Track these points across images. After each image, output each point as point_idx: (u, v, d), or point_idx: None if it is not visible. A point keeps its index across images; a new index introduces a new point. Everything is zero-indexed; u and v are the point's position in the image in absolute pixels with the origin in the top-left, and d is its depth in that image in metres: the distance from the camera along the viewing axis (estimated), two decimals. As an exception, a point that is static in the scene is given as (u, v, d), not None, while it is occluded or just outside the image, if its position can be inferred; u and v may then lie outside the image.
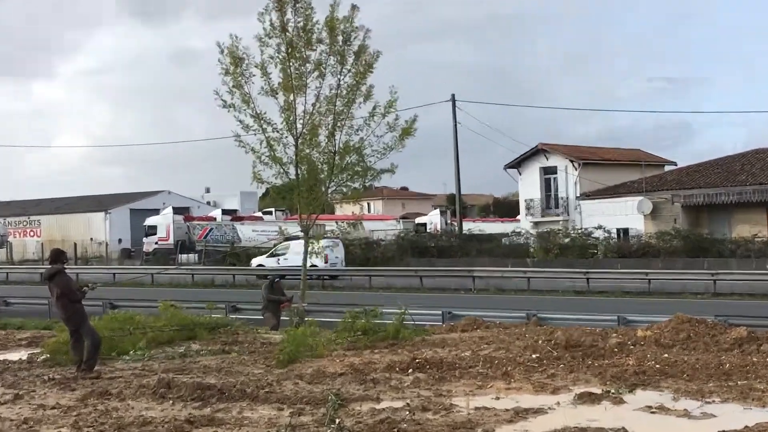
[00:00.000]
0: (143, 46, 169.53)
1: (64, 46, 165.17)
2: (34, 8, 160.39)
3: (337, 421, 9.03)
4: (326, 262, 39.64)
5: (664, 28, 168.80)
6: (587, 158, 51.67)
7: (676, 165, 55.69)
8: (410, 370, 12.16)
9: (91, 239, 66.63)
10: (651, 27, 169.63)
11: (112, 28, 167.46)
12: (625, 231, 45.05)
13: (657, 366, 11.61)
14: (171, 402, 10.49)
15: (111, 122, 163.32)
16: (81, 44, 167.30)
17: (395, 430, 8.76)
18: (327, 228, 46.99)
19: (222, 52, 20.55)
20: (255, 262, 44.64)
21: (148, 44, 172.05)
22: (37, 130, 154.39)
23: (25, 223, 75.26)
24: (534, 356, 12.70)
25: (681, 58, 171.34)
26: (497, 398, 10.31)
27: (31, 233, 73.46)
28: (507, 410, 9.56)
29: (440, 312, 20.48)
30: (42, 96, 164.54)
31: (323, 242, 32.25)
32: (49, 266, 14.02)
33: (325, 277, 39.10)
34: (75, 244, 61.18)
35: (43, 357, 14.84)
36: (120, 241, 67.71)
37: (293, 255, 40.23)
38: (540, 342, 13.80)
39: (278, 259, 42.93)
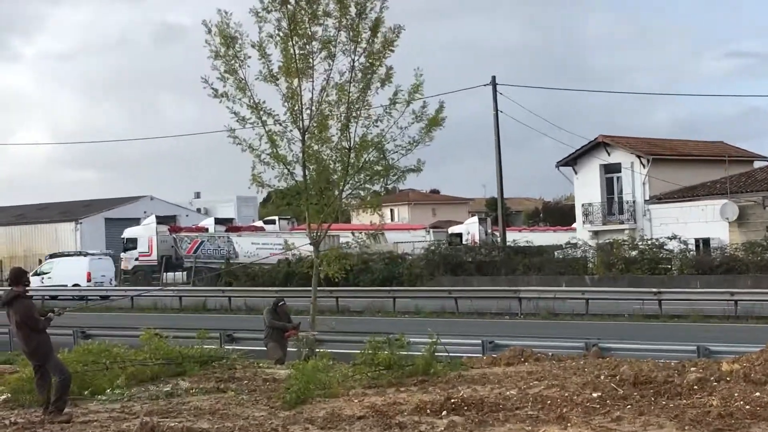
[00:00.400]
0: (119, 23, 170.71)
1: (25, 23, 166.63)
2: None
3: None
4: (89, 281, 40.75)
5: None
6: (658, 153, 51.25)
7: (767, 160, 55.22)
8: (444, 413, 12.14)
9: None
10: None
11: (82, 1, 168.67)
12: (706, 241, 44.72)
13: (747, 407, 11.50)
14: (156, 452, 10.56)
15: (81, 116, 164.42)
16: (45, 21, 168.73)
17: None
18: (342, 240, 46.97)
19: (210, 31, 20.46)
20: None
21: (125, 20, 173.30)
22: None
23: (-20, 236, 75.97)
24: (595, 395, 12.64)
25: (761, 30, 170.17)
26: (550, 446, 10.28)
27: (-12, 247, 74.14)
28: (562, 461, 9.54)
29: (480, 341, 20.47)
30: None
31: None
32: (8, 289, 14.10)
33: (90, 298, 40.60)
34: (39, 261, 61.67)
35: (2, 397, 14.96)
36: (93, 256, 68.07)
37: (60, 273, 42.30)
38: (602, 378, 13.74)
39: (42, 278, 44.73)
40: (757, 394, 12.18)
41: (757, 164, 54.60)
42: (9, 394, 14.89)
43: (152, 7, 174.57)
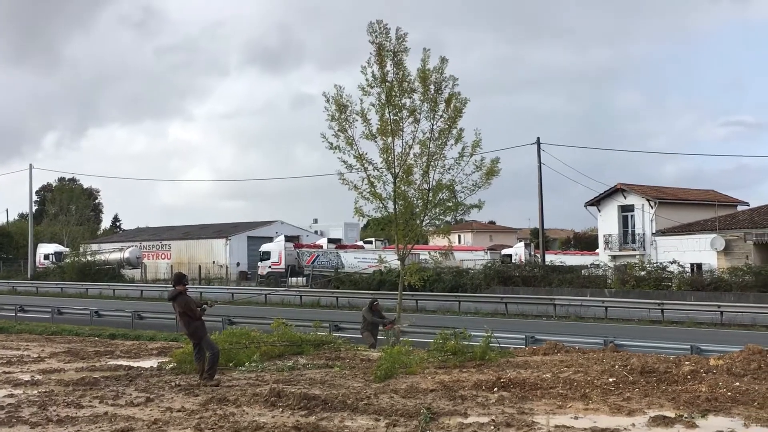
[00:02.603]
0: (266, 93, 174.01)
1: (199, 92, 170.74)
2: (174, 57, 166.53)
3: (428, 433, 9.00)
4: None
5: (739, 77, 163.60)
6: (663, 197, 50.42)
7: (748, 205, 53.75)
8: (495, 389, 12.02)
9: (213, 262, 68.27)
10: (728, 76, 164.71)
11: (240, 76, 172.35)
12: (699, 266, 43.62)
13: (729, 393, 11.17)
14: (280, 410, 10.64)
15: (235, 160, 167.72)
16: (213, 91, 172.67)
17: (481, 443, 8.67)
18: (421, 257, 46.92)
19: (328, 100, 20.69)
20: None
21: (271, 91, 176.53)
22: (169, 166, 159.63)
23: (157, 247, 77.70)
24: (611, 380, 12.38)
25: (755, 104, 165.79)
26: (576, 418, 10.10)
27: (163, 256, 75.78)
28: (585, 429, 9.36)
29: (523, 336, 20.24)
30: (176, 136, 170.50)
31: None
32: (172, 288, 14.41)
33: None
34: (199, 267, 62.84)
35: (171, 365, 15.25)
36: (238, 264, 69.13)
37: None
38: (616, 367, 13.47)
39: None
40: (737, 383, 11.83)
41: (740, 208, 53.25)
42: (176, 363, 15.18)
43: (291, 82, 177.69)
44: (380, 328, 20.23)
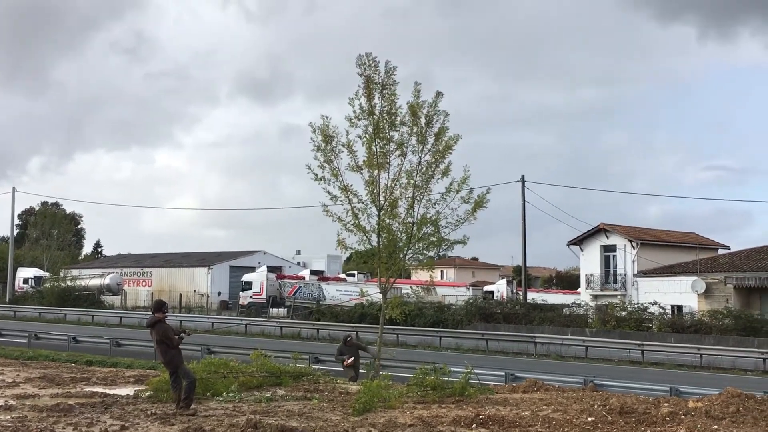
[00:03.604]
0: (254, 123, 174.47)
1: (188, 120, 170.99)
2: (164, 84, 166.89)
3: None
4: None
5: (724, 121, 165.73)
6: (645, 239, 50.69)
7: (729, 249, 54.13)
8: (474, 425, 11.94)
9: (195, 291, 67.84)
10: (713, 119, 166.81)
11: (229, 105, 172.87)
12: (679, 308, 43.75)
13: (706, 436, 11.15)
14: (257, 441, 10.51)
15: (221, 189, 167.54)
16: (202, 119, 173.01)
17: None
18: (403, 291, 46.83)
19: (314, 131, 20.63)
20: None
21: (259, 121, 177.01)
22: (154, 192, 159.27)
23: (138, 274, 77.15)
24: (589, 419, 12.34)
25: (738, 149, 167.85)
26: (554, 457, 10.03)
27: (144, 283, 75.21)
28: (563, 468, 9.30)
29: (503, 373, 20.18)
30: (163, 162, 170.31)
31: None
32: (151, 315, 14.28)
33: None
34: (180, 295, 62.41)
35: (147, 393, 15.08)
36: (219, 293, 68.71)
37: None
38: (596, 406, 13.43)
39: None
40: (715, 427, 11.82)
41: (721, 251, 53.59)
42: (152, 392, 15.01)
43: (280, 112, 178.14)
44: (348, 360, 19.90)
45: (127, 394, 15.37)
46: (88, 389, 16.29)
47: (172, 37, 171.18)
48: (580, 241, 51.71)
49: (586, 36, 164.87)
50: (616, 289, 49.27)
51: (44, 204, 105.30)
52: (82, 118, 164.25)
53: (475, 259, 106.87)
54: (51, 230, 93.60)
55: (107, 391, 16.01)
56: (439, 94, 20.51)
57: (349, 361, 19.73)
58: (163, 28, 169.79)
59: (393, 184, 20.63)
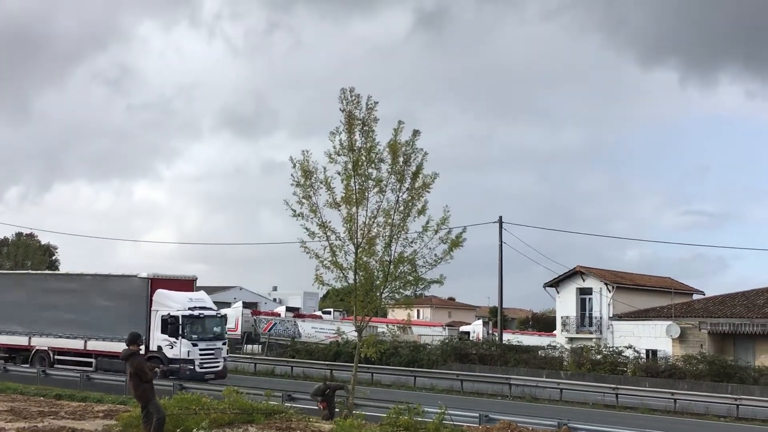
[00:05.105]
0: (236, 158, 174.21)
1: (169, 153, 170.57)
2: (146, 116, 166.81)
3: None
4: None
5: (703, 166, 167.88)
6: (620, 282, 50.97)
7: (703, 294, 54.53)
8: (447, 467, 11.86)
9: (169, 325, 67.11)
10: (693, 164, 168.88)
11: (211, 139, 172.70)
12: (654, 352, 43.90)
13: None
14: (226, 479, 10.37)
15: (200, 223, 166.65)
16: (183, 153, 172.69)
17: None
18: (379, 330, 46.66)
19: (294, 166, 20.50)
20: None
21: (242, 156, 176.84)
22: (132, 225, 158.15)
23: (112, 307, 76.27)
24: (563, 463, 12.30)
25: (717, 194, 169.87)
26: (526, 500, 9.97)
27: (117, 316, 74.32)
28: None
29: (477, 414, 20.07)
30: (142, 195, 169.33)
31: None
32: (126, 347, 14.14)
33: None
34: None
35: (117, 429, 14.87)
36: (194, 328, 68.02)
37: None
38: (569, 450, 13.38)
39: None
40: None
41: (696, 296, 54.01)
42: (122, 427, 14.80)
43: (262, 148, 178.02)
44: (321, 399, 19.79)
45: (96, 430, 15.13)
46: (57, 423, 16.03)
47: (157, 69, 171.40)
48: (557, 283, 51.91)
49: (570, 78, 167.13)
50: (591, 332, 49.36)
51: (18, 234, 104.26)
52: (63, 149, 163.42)
53: (451, 299, 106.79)
54: (25, 261, 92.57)
55: (75, 425, 15.76)
56: (416, 132, 20.57)
57: (323, 405, 19.71)
58: (148, 61, 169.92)
59: (371, 222, 20.60)
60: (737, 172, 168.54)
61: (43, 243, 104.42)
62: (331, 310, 67.92)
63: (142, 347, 24.76)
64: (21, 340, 35.01)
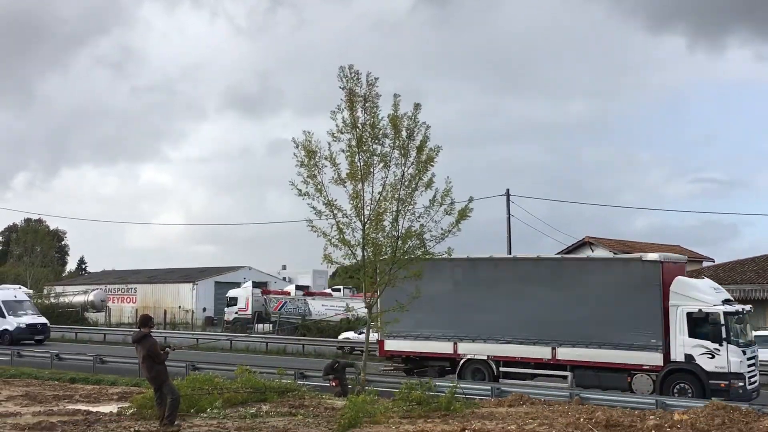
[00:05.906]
0: (243, 138, 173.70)
1: (175, 135, 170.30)
2: (151, 98, 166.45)
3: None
4: None
5: (711, 133, 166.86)
6: (629, 251, 50.81)
7: (713, 261, 54.43)
8: (460, 440, 11.91)
9: (180, 307, 67.42)
10: (701, 132, 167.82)
11: (217, 120, 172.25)
12: (665, 320, 43.88)
13: (692, 448, 11.16)
14: (241, 458, 10.44)
15: (208, 204, 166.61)
16: (189, 135, 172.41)
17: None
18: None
19: (297, 146, 20.52)
20: None
21: (248, 136, 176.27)
22: (140, 208, 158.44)
23: (122, 291, 76.66)
24: (575, 433, 12.34)
25: (726, 161, 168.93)
26: (540, 470, 10.02)
27: (128, 300, 74.74)
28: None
29: (489, 387, 20.14)
30: (149, 178, 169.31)
31: None
32: (138, 330, 14.22)
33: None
34: (165, 311, 62.03)
35: (131, 411, 14.96)
36: (204, 309, 68.35)
37: None
38: (582, 420, 13.43)
39: None
40: (701, 438, 11.84)
41: (706, 264, 53.90)
42: (135, 409, 14.90)
43: (268, 128, 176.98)
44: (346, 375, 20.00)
45: (111, 412, 15.25)
46: (71, 407, 16.15)
47: (160, 51, 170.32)
48: (566, 254, 51.83)
49: (576, 48, 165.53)
50: (601, 302, 49.32)
51: (27, 221, 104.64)
52: (68, 134, 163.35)
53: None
54: (34, 247, 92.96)
55: (90, 408, 15.87)
56: (417, 106, 20.55)
57: (335, 382, 19.80)
58: (151, 43, 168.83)
59: (377, 198, 20.58)
60: (747, 137, 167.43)
61: (51, 228, 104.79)
62: (341, 287, 68.00)
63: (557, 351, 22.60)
64: (441, 347, 25.50)
